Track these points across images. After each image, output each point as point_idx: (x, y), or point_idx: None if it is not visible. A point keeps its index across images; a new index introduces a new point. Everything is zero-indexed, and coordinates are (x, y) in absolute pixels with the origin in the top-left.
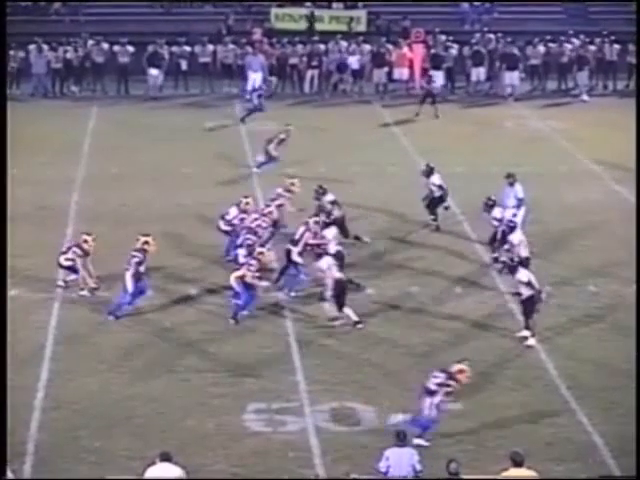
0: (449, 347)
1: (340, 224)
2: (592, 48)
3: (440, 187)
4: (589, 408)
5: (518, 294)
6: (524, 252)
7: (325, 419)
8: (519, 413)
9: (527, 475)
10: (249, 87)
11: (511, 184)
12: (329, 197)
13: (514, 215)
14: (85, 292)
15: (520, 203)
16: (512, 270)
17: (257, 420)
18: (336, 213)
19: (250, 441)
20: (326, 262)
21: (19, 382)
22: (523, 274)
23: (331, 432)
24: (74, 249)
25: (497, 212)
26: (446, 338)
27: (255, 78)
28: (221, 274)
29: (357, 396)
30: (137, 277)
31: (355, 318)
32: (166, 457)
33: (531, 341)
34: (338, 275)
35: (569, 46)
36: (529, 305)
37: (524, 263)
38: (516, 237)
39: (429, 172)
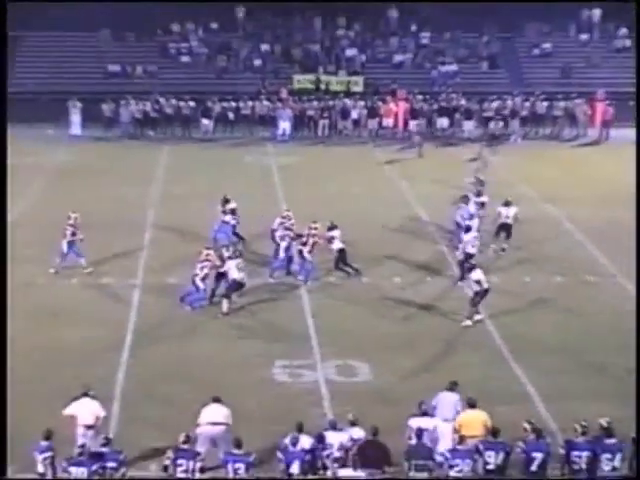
0: (421, 321)
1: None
2: (526, 104)
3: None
4: (525, 367)
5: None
6: (472, 250)
7: (332, 373)
8: (473, 370)
9: (479, 414)
10: (279, 132)
11: (465, 203)
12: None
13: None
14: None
15: (471, 217)
16: (468, 270)
17: (282, 373)
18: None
19: (277, 388)
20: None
21: (109, 343)
22: (476, 274)
23: (336, 382)
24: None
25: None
26: (419, 315)
27: (284, 126)
28: (261, 271)
29: (355, 356)
30: (204, 278)
31: None
32: (217, 399)
33: (467, 322)
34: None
35: (509, 102)
36: (477, 298)
37: (469, 260)
38: (468, 236)
39: (507, 203)
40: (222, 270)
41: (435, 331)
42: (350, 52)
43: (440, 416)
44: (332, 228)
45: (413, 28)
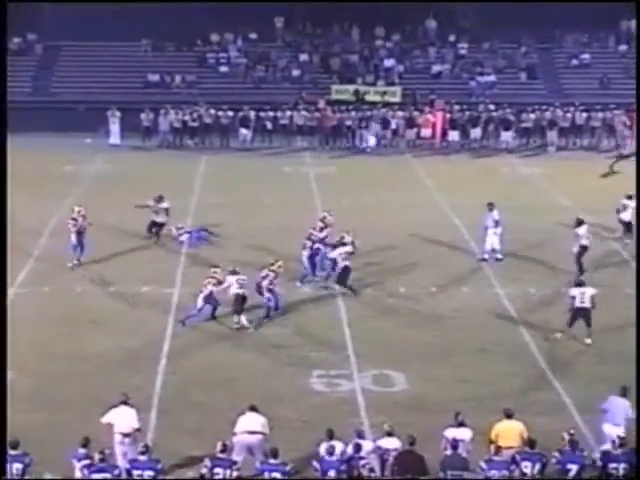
0: (457, 331)
1: None
2: (566, 115)
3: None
4: (563, 378)
5: None
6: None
7: (368, 382)
8: (510, 380)
9: (516, 425)
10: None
11: (490, 210)
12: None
13: None
14: None
15: (497, 224)
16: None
17: (319, 383)
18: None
19: (314, 398)
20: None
21: (147, 352)
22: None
23: (373, 392)
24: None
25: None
26: (455, 325)
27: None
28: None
29: (392, 366)
30: (206, 296)
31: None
32: (253, 408)
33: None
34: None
35: (548, 113)
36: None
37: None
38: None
39: (579, 223)
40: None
41: (471, 341)
42: (388, 62)
43: (611, 421)
44: (338, 245)
45: (451, 39)
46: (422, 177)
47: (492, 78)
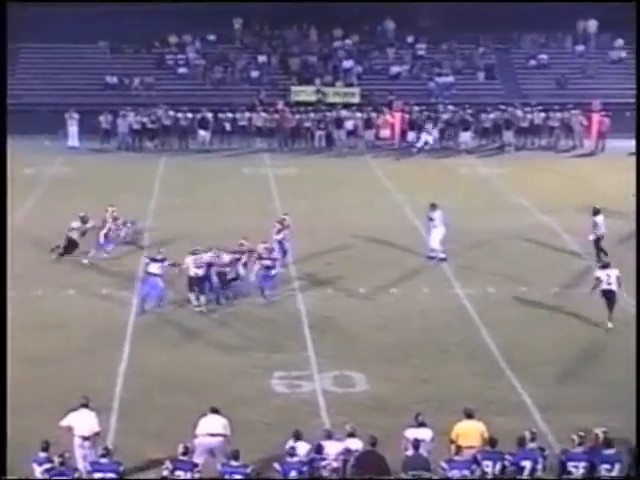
0: (417, 332)
1: None
2: (527, 115)
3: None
4: (522, 378)
5: None
6: None
7: (329, 383)
8: (470, 380)
9: (476, 425)
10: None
11: (433, 209)
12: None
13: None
14: None
15: (438, 223)
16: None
17: (280, 384)
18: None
19: (275, 399)
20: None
21: (107, 354)
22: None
23: (333, 393)
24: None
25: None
26: (416, 326)
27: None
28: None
29: (353, 367)
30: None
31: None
32: (214, 410)
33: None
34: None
35: (506, 114)
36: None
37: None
38: None
39: (596, 212)
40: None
41: (432, 342)
42: (347, 63)
43: None
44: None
45: (410, 39)
46: (381, 178)
47: (450, 79)
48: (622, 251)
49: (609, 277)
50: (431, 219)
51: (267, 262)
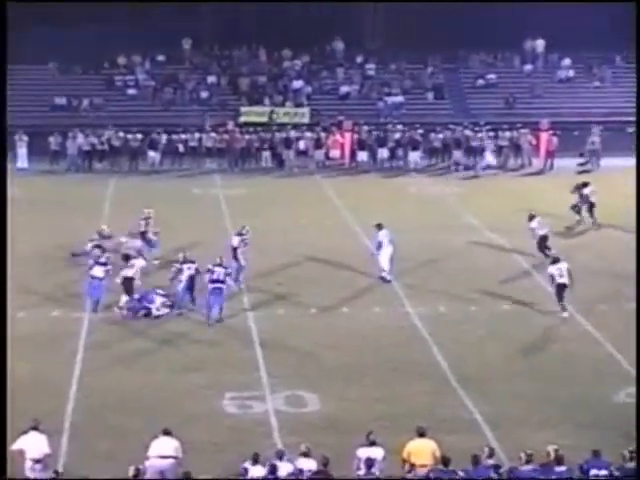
0: (369, 351)
1: None
2: (478, 135)
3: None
4: (473, 396)
5: None
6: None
7: (281, 404)
8: (422, 399)
9: (428, 443)
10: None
11: (379, 229)
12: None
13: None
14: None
15: (380, 245)
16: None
17: (232, 405)
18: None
19: (227, 420)
20: None
21: (58, 378)
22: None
23: (286, 413)
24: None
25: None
26: (368, 344)
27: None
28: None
29: (304, 386)
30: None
31: None
32: (167, 432)
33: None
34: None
35: (459, 133)
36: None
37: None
38: None
39: (530, 218)
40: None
41: (384, 361)
42: (297, 83)
43: None
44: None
45: (359, 59)
46: (332, 197)
47: (400, 99)
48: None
49: (561, 270)
50: (379, 240)
51: (217, 276)
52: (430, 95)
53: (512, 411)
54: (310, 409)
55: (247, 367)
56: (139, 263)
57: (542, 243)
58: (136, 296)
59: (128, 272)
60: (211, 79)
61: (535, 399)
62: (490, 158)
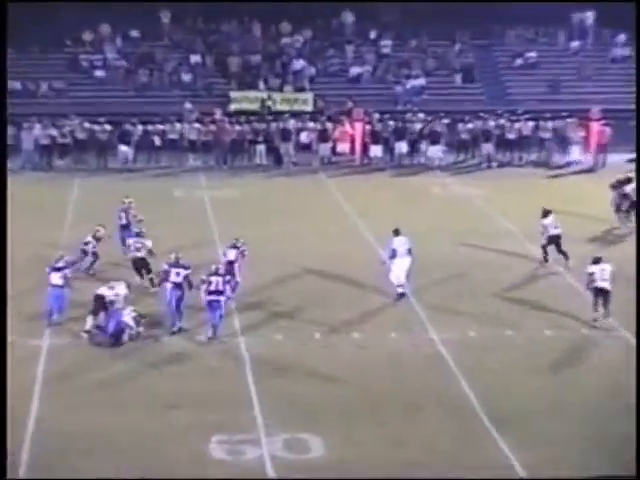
0: (384, 384)
1: None
2: (515, 125)
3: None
4: (509, 437)
5: None
6: None
7: (279, 448)
8: (448, 440)
9: None
10: None
11: (396, 235)
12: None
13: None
14: None
15: (394, 253)
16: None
17: (220, 449)
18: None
19: (214, 468)
20: None
21: (11, 415)
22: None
23: (284, 460)
24: None
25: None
26: (383, 376)
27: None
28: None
29: (306, 427)
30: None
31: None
32: None
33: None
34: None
35: (492, 123)
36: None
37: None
38: None
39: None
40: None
41: (402, 395)
42: (297, 64)
43: None
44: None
45: (372, 35)
46: (339, 201)
47: (421, 82)
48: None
49: (603, 272)
50: (393, 248)
51: (214, 286)
52: (458, 78)
53: (556, 456)
54: (313, 455)
55: (238, 404)
56: (120, 290)
57: (550, 244)
58: (104, 316)
59: (105, 291)
60: (195, 59)
61: (585, 440)
62: (576, 153)
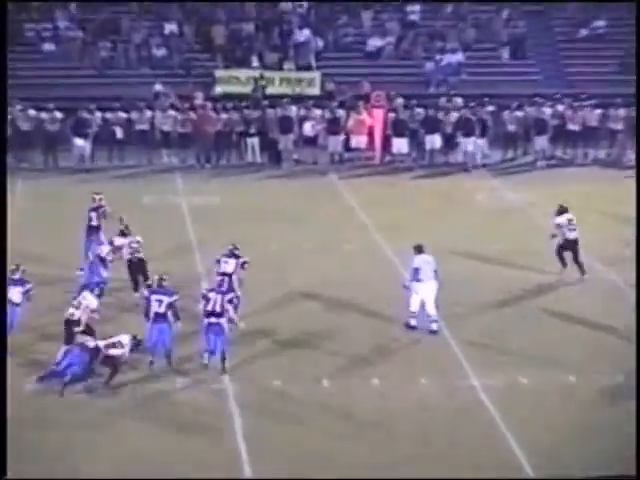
0: (410, 442)
1: None
2: (579, 113)
3: None
4: None
5: None
6: None
7: None
8: None
9: None
10: None
11: (418, 253)
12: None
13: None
14: None
15: (417, 275)
16: None
17: None
18: None
19: None
20: None
21: None
22: None
23: None
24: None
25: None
26: (408, 433)
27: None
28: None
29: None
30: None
31: None
32: None
33: None
34: None
35: (548, 110)
36: None
37: None
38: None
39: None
40: None
41: (434, 458)
42: (301, 35)
43: None
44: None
45: None
46: (354, 209)
47: (458, 57)
48: None
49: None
50: (415, 268)
51: (212, 306)
52: (505, 52)
53: None
54: None
55: (224, 468)
56: (88, 301)
57: (566, 249)
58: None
59: (72, 312)
60: (170, 28)
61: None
62: None
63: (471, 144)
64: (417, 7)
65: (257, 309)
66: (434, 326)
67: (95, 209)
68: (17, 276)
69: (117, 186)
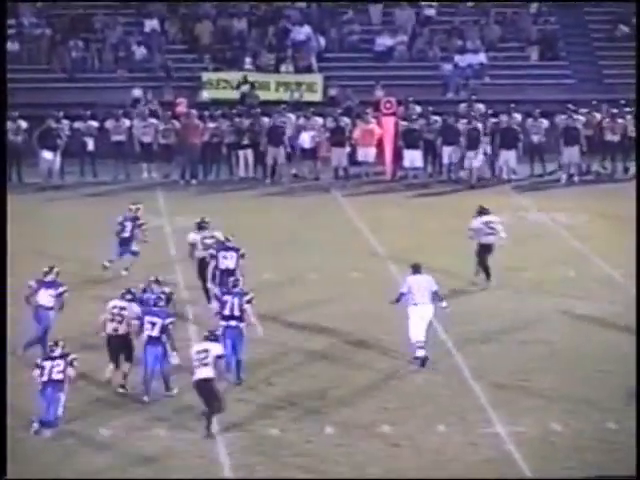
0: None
1: None
2: (619, 121)
3: None
4: None
5: None
6: None
7: None
8: None
9: None
10: None
11: (415, 272)
12: None
13: None
14: None
15: (404, 297)
16: None
17: None
18: None
19: None
20: None
21: None
22: None
23: None
24: None
25: None
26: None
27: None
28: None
29: None
30: None
31: None
32: None
33: None
34: None
35: (582, 118)
36: None
37: None
38: None
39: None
40: None
41: None
42: (300, 33)
43: None
44: None
45: None
46: (361, 230)
47: (480, 58)
48: None
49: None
50: (402, 293)
51: (229, 309)
52: (534, 53)
53: None
54: None
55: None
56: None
57: (482, 254)
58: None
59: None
60: (150, 24)
61: None
62: None
63: (505, 155)
64: (433, 2)
65: (249, 346)
66: (420, 353)
67: (132, 219)
68: (49, 278)
69: (89, 205)
